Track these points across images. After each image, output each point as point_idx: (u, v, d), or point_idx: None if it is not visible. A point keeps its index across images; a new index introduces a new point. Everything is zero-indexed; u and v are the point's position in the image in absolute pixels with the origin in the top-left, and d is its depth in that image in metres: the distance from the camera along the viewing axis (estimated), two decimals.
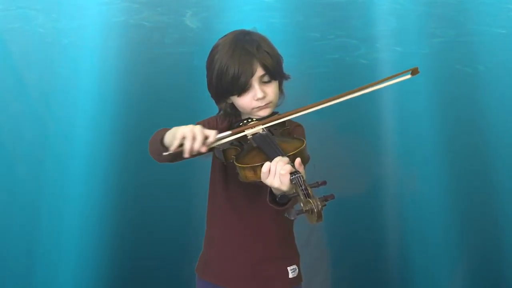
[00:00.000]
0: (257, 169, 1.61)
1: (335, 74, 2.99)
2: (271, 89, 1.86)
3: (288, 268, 1.92)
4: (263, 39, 1.88)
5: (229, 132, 1.72)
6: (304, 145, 1.66)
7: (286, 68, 2.77)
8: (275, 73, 1.85)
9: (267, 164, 1.58)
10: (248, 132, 1.78)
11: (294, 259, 1.96)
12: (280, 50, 2.89)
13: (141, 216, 2.96)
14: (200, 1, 2.94)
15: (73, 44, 2.91)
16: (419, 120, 3.09)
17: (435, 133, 3.09)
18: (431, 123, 3.09)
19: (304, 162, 1.63)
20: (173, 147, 1.60)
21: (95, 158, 2.94)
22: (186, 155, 1.61)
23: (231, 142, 1.76)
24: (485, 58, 3.06)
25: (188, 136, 1.59)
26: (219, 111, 1.95)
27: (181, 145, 1.60)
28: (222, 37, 1.89)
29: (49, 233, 2.93)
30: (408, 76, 1.90)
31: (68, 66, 2.93)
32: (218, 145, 1.75)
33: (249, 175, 1.64)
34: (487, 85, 3.08)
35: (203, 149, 1.62)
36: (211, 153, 1.84)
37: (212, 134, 1.63)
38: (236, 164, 1.66)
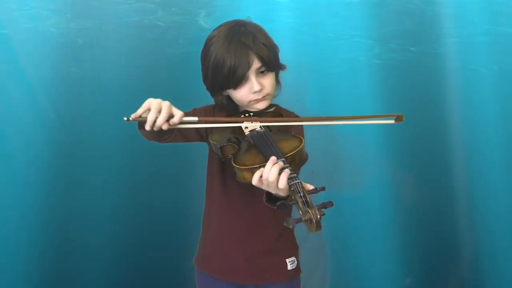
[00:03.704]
0: (254, 170, 1.56)
1: (349, 74, 2.99)
2: (268, 81, 1.82)
3: (286, 260, 1.90)
4: (259, 30, 1.82)
5: (195, 118, 1.64)
6: (303, 144, 1.61)
7: (300, 68, 2.77)
8: (271, 64, 1.81)
9: (258, 173, 1.54)
10: (220, 125, 1.73)
11: (293, 251, 1.94)
12: (295, 50, 2.93)
13: (140, 209, 2.97)
14: (214, 1, 2.94)
15: (87, 44, 2.90)
16: (428, 120, 3.09)
17: (443, 132, 3.09)
18: (442, 122, 3.10)
19: (302, 162, 1.61)
20: (134, 115, 1.57)
21: (100, 157, 2.94)
22: (147, 127, 1.56)
23: (228, 138, 1.72)
24: (499, 58, 3.06)
25: (153, 108, 1.55)
26: (215, 104, 1.89)
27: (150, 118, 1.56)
28: (216, 28, 1.84)
29: (50, 227, 2.92)
30: (392, 121, 1.72)
31: (82, 66, 2.92)
32: (215, 141, 1.72)
33: (247, 176, 1.60)
34: (501, 85, 3.07)
35: (165, 126, 1.57)
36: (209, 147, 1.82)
37: (178, 114, 1.59)
38: (234, 165, 1.62)
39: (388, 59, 3.01)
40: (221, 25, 1.83)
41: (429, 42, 3.03)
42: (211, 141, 1.75)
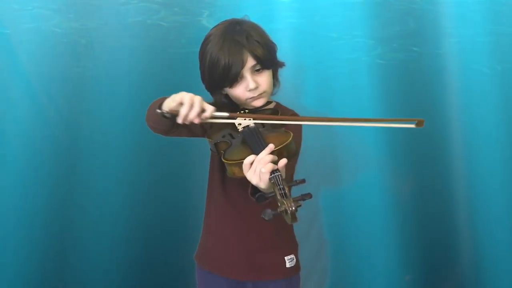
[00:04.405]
0: (242, 165, 1.61)
1: (351, 74, 2.99)
2: (264, 79, 1.85)
3: (285, 257, 1.92)
4: (254, 28, 1.86)
5: (226, 114, 1.71)
6: (290, 139, 1.65)
7: (302, 68, 2.77)
8: (266, 62, 1.84)
9: (250, 157, 1.58)
10: (243, 121, 1.77)
11: (292, 249, 1.97)
12: (297, 50, 2.93)
13: (141, 207, 2.97)
14: (217, 1, 2.94)
15: (90, 44, 2.90)
16: (431, 119, 3.07)
17: (446, 132, 3.08)
18: (444, 122, 3.08)
19: (290, 156, 1.64)
20: (167, 108, 1.62)
21: (101, 156, 2.95)
22: (180, 120, 1.62)
23: (223, 135, 1.77)
24: (503, 58, 3.05)
25: (186, 103, 1.60)
26: (215, 102, 1.92)
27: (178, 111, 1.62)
28: (214, 27, 1.88)
29: (51, 227, 2.93)
30: (412, 126, 1.85)
31: (85, 66, 2.92)
32: (211, 138, 1.77)
33: (236, 171, 1.64)
34: (505, 85, 3.06)
35: (196, 121, 1.63)
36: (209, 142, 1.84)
37: (210, 109, 1.64)
38: (223, 160, 1.67)
39: (391, 59, 3.01)
40: (218, 24, 1.87)
41: (432, 42, 3.02)
42: (207, 139, 1.78)
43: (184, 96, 1.61)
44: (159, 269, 2.98)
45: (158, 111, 1.64)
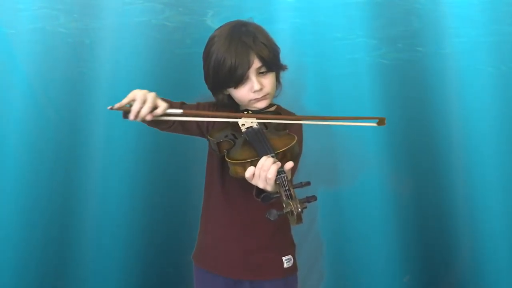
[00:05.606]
0: (246, 165, 1.61)
1: (355, 74, 2.99)
2: (268, 81, 1.84)
3: (282, 258, 1.92)
4: (259, 30, 1.85)
5: (180, 111, 1.70)
6: (295, 141, 1.65)
7: (305, 67, 2.77)
8: (272, 64, 1.83)
9: (250, 169, 1.58)
10: (208, 119, 1.79)
11: (289, 249, 1.96)
12: (301, 49, 2.93)
13: (139, 206, 2.99)
14: (221, 1, 2.95)
15: (95, 44, 2.92)
16: (434, 119, 3.08)
17: (449, 132, 3.08)
18: (448, 122, 3.08)
19: (293, 158, 1.64)
20: (119, 104, 1.62)
21: (103, 158, 2.96)
22: (131, 117, 1.61)
23: (226, 135, 1.76)
24: (507, 58, 3.04)
25: (138, 99, 1.60)
26: (216, 102, 1.92)
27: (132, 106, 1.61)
28: (218, 28, 1.87)
29: (51, 226, 2.95)
30: (374, 124, 1.84)
31: (90, 66, 2.94)
32: (213, 137, 1.76)
33: (239, 170, 1.63)
34: (509, 85, 3.05)
35: (148, 117, 1.62)
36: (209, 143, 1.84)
37: (162, 106, 1.63)
38: (227, 159, 1.66)
39: (394, 59, 3.01)
40: (222, 25, 1.87)
41: (436, 42, 3.02)
42: (209, 138, 1.79)
43: (137, 93, 1.61)
44: (158, 269, 2.99)
45: (109, 107, 1.63)
